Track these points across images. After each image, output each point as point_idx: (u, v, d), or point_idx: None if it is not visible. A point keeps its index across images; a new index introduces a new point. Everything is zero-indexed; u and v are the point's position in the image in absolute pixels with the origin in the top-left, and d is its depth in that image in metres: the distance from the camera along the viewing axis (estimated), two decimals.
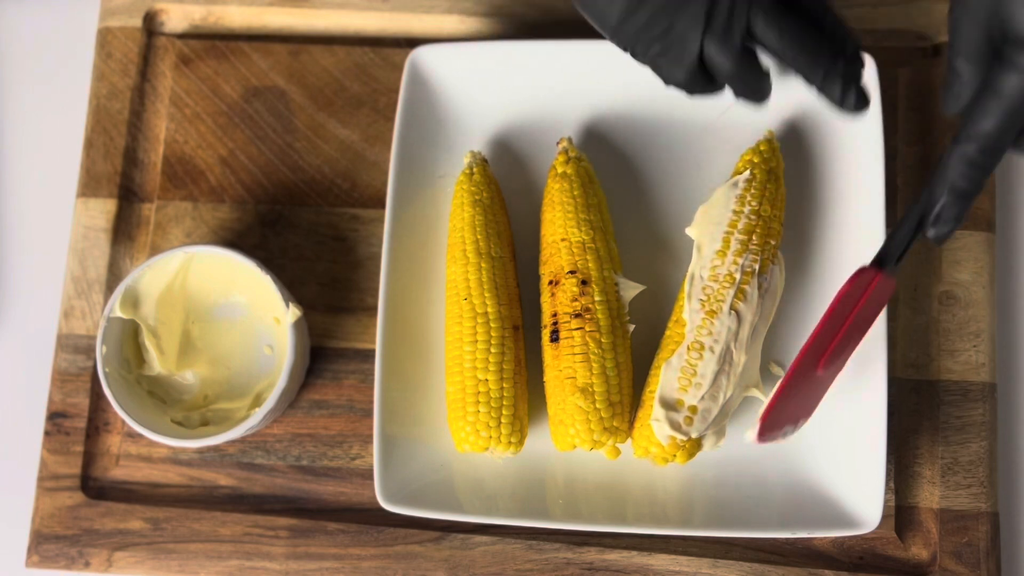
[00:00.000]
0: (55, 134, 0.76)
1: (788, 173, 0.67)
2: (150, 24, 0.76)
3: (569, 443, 0.60)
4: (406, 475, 0.63)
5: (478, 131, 0.70)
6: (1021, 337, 0.71)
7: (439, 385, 0.65)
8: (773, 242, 0.63)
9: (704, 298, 0.61)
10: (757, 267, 0.61)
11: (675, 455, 0.60)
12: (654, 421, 0.60)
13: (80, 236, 0.72)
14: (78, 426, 0.69)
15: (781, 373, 0.65)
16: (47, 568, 0.68)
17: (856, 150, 0.66)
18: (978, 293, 0.68)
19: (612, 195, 0.68)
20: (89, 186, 0.73)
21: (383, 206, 0.69)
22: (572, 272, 0.62)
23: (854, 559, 0.65)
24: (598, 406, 0.60)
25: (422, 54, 0.68)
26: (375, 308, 0.67)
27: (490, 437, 0.60)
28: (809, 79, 0.58)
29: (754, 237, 0.62)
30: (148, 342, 0.66)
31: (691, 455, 0.61)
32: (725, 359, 0.60)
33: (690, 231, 0.64)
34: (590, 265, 0.62)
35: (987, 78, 0.51)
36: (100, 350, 0.64)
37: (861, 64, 0.59)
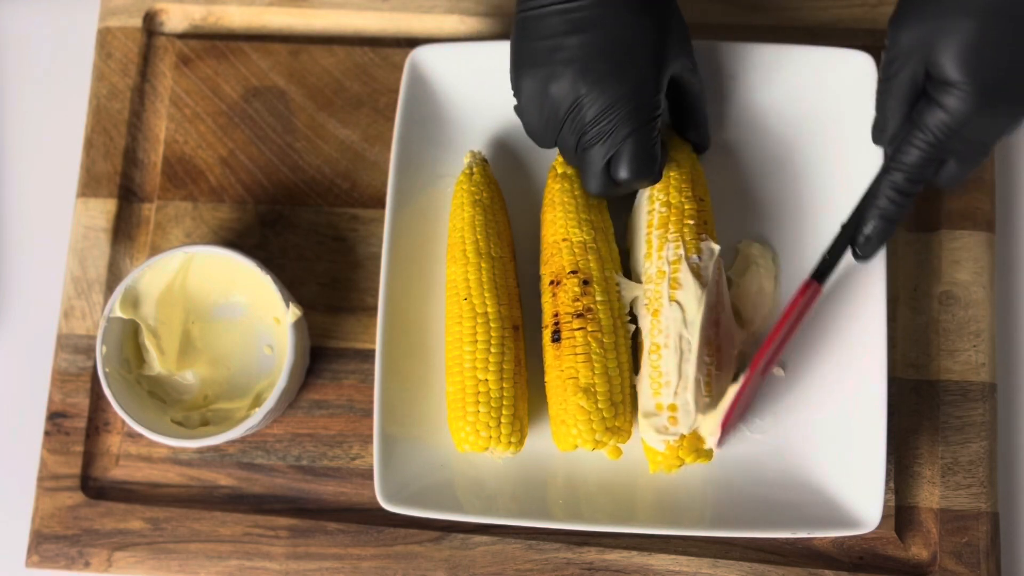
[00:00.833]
0: (55, 134, 0.76)
1: (788, 173, 0.67)
2: (150, 24, 0.76)
3: (571, 443, 0.60)
4: (406, 475, 0.63)
5: (478, 131, 0.70)
6: (1021, 337, 0.71)
7: (439, 385, 0.65)
8: (692, 222, 0.63)
9: (647, 301, 0.62)
10: (682, 252, 0.62)
11: (685, 458, 0.60)
12: (644, 435, 0.61)
13: (80, 236, 0.72)
14: (78, 426, 0.69)
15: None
16: (47, 568, 0.68)
17: (857, 150, 0.66)
18: (978, 293, 0.68)
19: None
20: (89, 186, 0.73)
21: (383, 206, 0.69)
22: (573, 272, 0.62)
23: (854, 559, 0.65)
24: (600, 406, 0.60)
25: (422, 54, 0.68)
26: (375, 308, 0.67)
27: (490, 437, 0.60)
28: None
29: (670, 226, 0.62)
30: (148, 342, 0.66)
31: (698, 451, 0.60)
32: (681, 348, 0.60)
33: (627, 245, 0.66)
34: (591, 265, 0.62)
35: (913, 114, 0.57)
36: (100, 350, 0.64)
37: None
